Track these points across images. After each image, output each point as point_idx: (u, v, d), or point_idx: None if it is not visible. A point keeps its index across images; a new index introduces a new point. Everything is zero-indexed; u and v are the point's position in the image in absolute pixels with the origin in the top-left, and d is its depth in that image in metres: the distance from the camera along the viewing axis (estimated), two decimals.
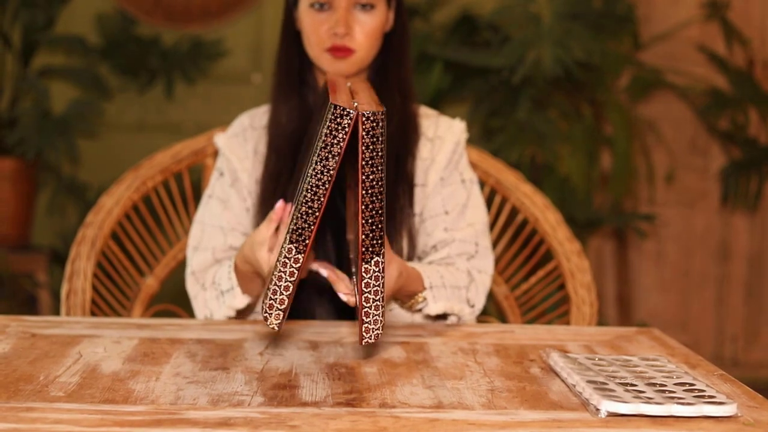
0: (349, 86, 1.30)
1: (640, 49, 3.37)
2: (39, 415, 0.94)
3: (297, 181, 1.28)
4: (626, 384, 1.05)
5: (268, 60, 3.47)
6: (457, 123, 1.66)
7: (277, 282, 1.08)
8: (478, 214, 1.61)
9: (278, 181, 1.57)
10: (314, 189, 1.07)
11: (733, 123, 3.40)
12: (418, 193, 1.59)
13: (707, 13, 3.42)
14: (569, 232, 1.75)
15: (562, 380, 1.11)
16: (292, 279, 1.08)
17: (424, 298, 1.45)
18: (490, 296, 1.78)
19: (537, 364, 1.20)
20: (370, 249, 1.07)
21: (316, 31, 1.54)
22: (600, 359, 1.16)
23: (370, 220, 1.07)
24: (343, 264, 1.56)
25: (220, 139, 1.67)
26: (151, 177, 1.76)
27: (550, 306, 1.82)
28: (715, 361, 2.89)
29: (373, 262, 1.07)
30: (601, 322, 2.80)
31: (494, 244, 1.75)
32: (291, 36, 1.60)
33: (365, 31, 1.54)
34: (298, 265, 1.08)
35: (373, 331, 1.09)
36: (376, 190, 1.06)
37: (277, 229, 1.28)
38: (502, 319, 1.85)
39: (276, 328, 1.08)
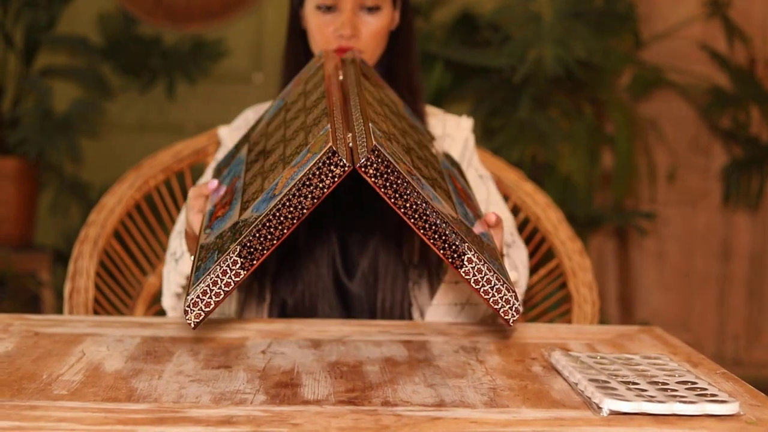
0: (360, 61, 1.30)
1: (641, 48, 3.36)
2: (42, 413, 0.95)
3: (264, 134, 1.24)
4: (628, 382, 1.05)
5: (269, 60, 3.47)
6: (465, 120, 1.66)
7: (211, 285, 1.02)
8: (503, 209, 1.62)
9: None
10: (282, 219, 1.01)
11: (734, 121, 3.40)
12: None
13: (708, 11, 3.42)
14: (571, 231, 1.75)
15: (564, 379, 1.12)
16: (227, 290, 1.03)
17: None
18: None
19: (539, 363, 1.20)
20: (455, 255, 1.04)
21: (322, 33, 1.54)
22: (602, 358, 1.16)
23: (435, 236, 1.04)
24: (347, 261, 1.56)
25: (223, 131, 1.67)
26: (153, 176, 1.77)
27: (552, 305, 1.82)
28: (717, 361, 2.89)
29: (465, 260, 1.05)
30: (603, 321, 2.80)
31: None
32: (297, 35, 1.61)
33: (371, 33, 1.54)
34: (238, 279, 1.03)
35: (511, 310, 1.06)
36: (420, 210, 1.03)
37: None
38: None
39: (192, 327, 1.04)
